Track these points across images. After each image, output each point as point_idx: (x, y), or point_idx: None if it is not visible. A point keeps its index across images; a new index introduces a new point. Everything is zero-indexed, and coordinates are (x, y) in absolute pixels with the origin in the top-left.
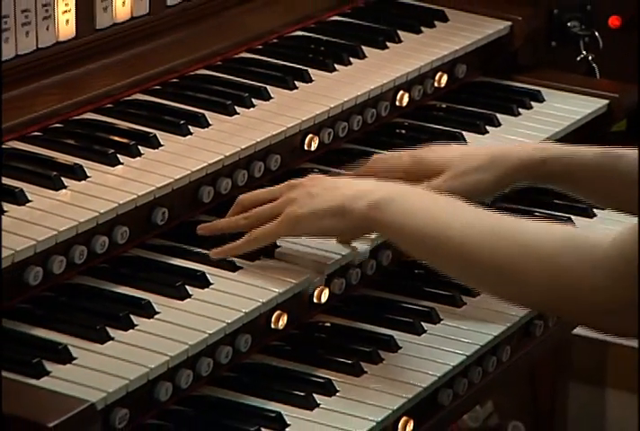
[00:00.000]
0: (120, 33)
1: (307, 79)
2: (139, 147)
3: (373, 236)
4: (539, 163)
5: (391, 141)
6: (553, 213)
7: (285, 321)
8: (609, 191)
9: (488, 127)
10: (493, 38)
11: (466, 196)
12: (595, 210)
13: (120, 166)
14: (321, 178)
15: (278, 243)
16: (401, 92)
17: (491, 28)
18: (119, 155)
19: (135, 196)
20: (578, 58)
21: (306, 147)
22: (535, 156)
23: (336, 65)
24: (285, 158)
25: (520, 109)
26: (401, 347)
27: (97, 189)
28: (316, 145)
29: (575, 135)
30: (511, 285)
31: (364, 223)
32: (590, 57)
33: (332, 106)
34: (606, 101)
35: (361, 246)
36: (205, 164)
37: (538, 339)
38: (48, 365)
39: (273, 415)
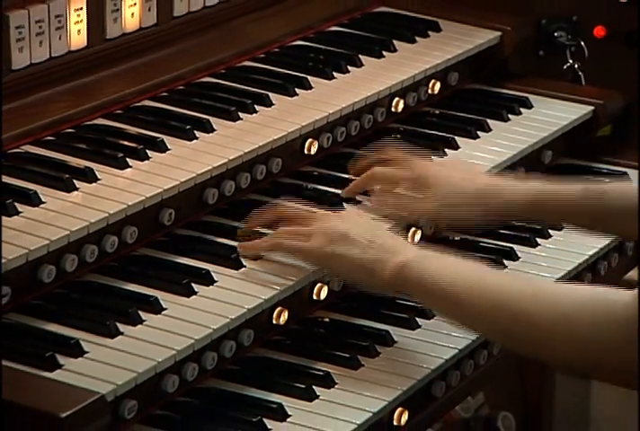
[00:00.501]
0: (129, 43)
1: (307, 86)
2: (147, 151)
3: None
4: (526, 206)
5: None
6: (497, 243)
7: (286, 317)
8: (596, 224)
9: (479, 133)
10: (484, 47)
11: (453, 227)
12: (538, 239)
13: (128, 169)
14: (353, 216)
15: None
16: (396, 99)
17: (481, 38)
18: (128, 159)
19: (143, 197)
20: (565, 67)
21: (306, 151)
22: (522, 200)
23: (335, 73)
24: (286, 161)
25: (510, 115)
26: (396, 342)
27: (107, 190)
28: (316, 149)
29: (562, 139)
30: (530, 345)
31: (390, 282)
32: (576, 66)
33: (330, 112)
34: (591, 108)
35: (316, 273)
36: (210, 167)
37: None
38: (61, 359)
39: (275, 406)
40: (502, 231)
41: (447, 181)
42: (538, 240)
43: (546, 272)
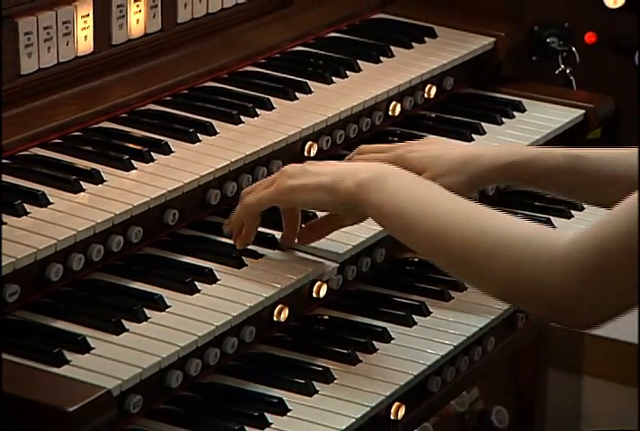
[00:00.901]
0: (135, 48)
1: (307, 91)
2: (152, 153)
3: (341, 252)
4: (507, 166)
5: None
6: (533, 214)
7: (286, 314)
8: (572, 188)
9: (474, 136)
10: (479, 53)
11: None
12: (573, 211)
13: (134, 171)
14: (316, 162)
15: (279, 242)
16: (393, 103)
17: (476, 43)
18: (133, 161)
19: (148, 198)
20: (556, 72)
21: (305, 154)
22: (504, 160)
23: (334, 78)
24: (286, 163)
25: (504, 119)
26: (393, 338)
27: (113, 192)
28: (315, 152)
29: (554, 142)
30: (473, 273)
31: (349, 200)
32: (567, 71)
33: (329, 115)
34: (582, 111)
35: (330, 263)
36: (212, 169)
37: (520, 330)
38: (68, 355)
39: (275, 401)
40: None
41: (430, 154)
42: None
43: None
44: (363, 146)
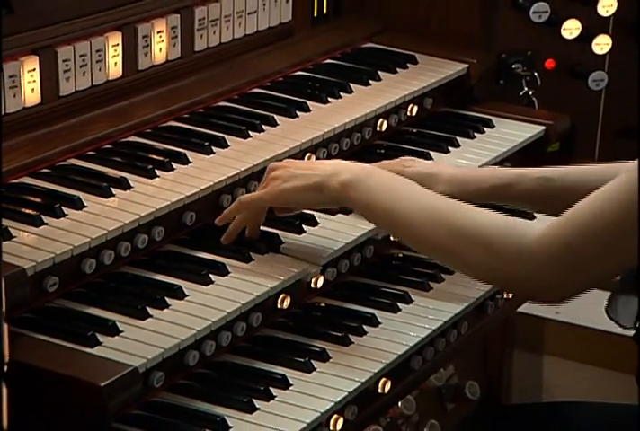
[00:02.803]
0: (158, 73)
1: (306, 109)
2: (172, 164)
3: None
4: (490, 189)
5: (373, 159)
6: None
7: (288, 302)
8: (544, 205)
9: (450, 148)
10: (454, 77)
11: None
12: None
13: (157, 179)
14: (298, 161)
15: (282, 240)
16: (381, 120)
17: (452, 69)
18: (156, 170)
19: (169, 202)
20: (521, 93)
21: None
22: (488, 184)
23: (329, 99)
24: None
25: (475, 134)
26: (381, 323)
27: (139, 196)
28: None
29: (519, 153)
30: (458, 262)
31: (337, 198)
32: (530, 92)
33: (326, 130)
34: (543, 127)
35: (313, 266)
36: (224, 177)
37: (490, 316)
38: (100, 337)
39: (279, 377)
40: None
41: (425, 172)
42: None
43: None
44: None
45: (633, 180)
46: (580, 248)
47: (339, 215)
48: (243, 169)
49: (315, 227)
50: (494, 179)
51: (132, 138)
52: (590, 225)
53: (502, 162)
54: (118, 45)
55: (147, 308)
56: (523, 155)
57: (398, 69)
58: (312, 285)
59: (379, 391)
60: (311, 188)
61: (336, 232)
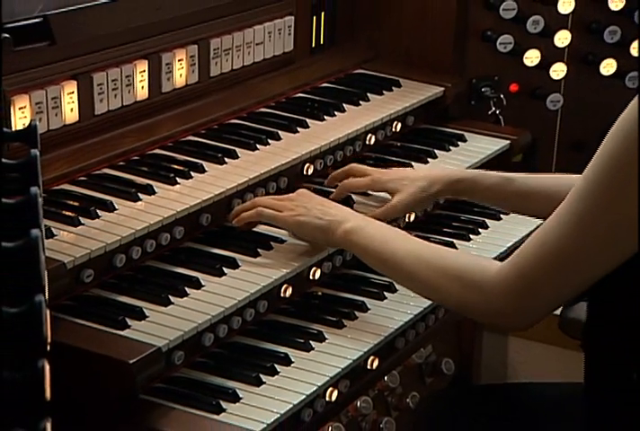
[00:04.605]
0: (179, 95)
1: (306, 126)
2: (191, 172)
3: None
4: (457, 183)
5: None
6: (471, 217)
7: (290, 292)
8: (504, 202)
9: (429, 159)
10: (432, 98)
11: (414, 205)
12: (501, 215)
13: (177, 185)
14: (315, 196)
15: (285, 239)
16: (369, 135)
17: (430, 91)
18: (177, 178)
19: (188, 205)
20: (489, 112)
21: (304, 173)
22: (456, 177)
23: (325, 117)
24: (290, 180)
25: (450, 147)
26: (370, 309)
27: (162, 201)
28: (312, 171)
29: (487, 164)
30: (438, 297)
31: (339, 242)
32: (497, 112)
33: (322, 144)
34: (508, 141)
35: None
36: (235, 184)
37: None
38: (129, 321)
39: (282, 355)
40: None
41: (400, 175)
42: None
43: None
44: (353, 165)
45: (573, 209)
46: (531, 276)
47: None
48: (251, 177)
49: None
50: (461, 173)
51: (157, 151)
52: (536, 254)
53: None
54: (144, 71)
55: (169, 296)
56: (491, 165)
57: (384, 92)
58: (311, 277)
59: (368, 367)
60: (319, 229)
61: None
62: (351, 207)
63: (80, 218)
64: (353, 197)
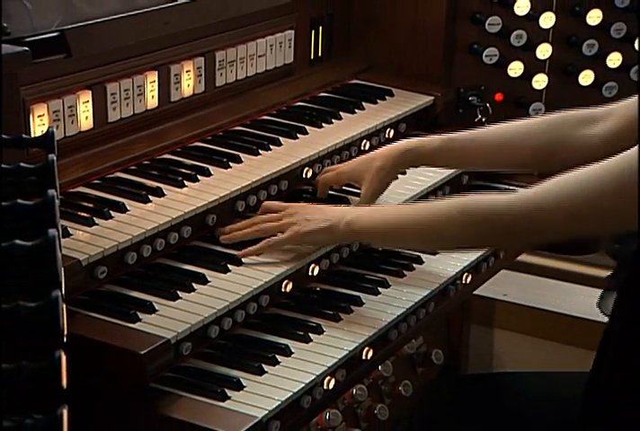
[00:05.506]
0: (186, 104)
1: (305, 132)
2: (198, 176)
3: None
4: (407, 152)
5: None
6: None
7: (291, 287)
8: (450, 162)
9: None
10: (423, 107)
11: (381, 185)
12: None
13: (185, 188)
14: (309, 206)
15: None
16: (364, 141)
17: (421, 100)
18: (185, 181)
19: (195, 207)
20: (476, 120)
21: (303, 176)
22: (402, 148)
23: (323, 124)
24: (290, 182)
25: None
26: (364, 303)
27: (171, 202)
28: (310, 175)
29: None
30: (436, 244)
31: (345, 235)
32: (483, 119)
33: (320, 149)
34: None
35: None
36: (239, 187)
37: (452, 298)
38: (140, 315)
39: (283, 346)
40: None
41: (356, 162)
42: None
43: None
44: (321, 178)
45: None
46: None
47: None
48: (254, 180)
49: None
50: (409, 142)
51: (166, 156)
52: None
53: (461, 174)
54: (154, 81)
55: (178, 291)
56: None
57: (378, 101)
58: (309, 273)
59: (363, 357)
60: (325, 231)
61: None
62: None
63: (94, 219)
64: (349, 198)
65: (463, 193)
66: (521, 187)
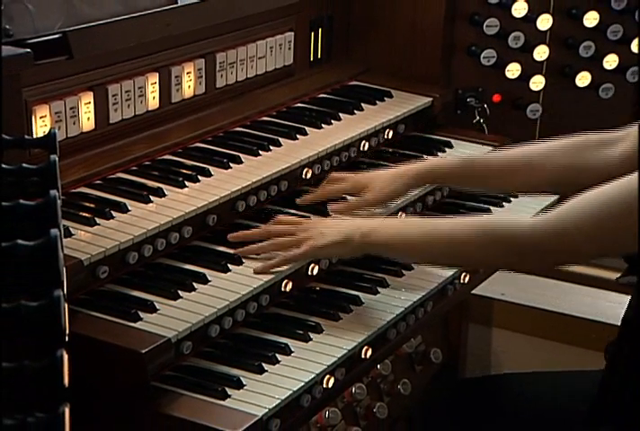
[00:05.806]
0: (187, 105)
1: (304, 133)
2: (198, 177)
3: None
4: (426, 173)
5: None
6: (477, 204)
7: (290, 286)
8: (468, 183)
9: None
10: (421, 108)
11: (387, 200)
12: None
13: (186, 188)
14: (323, 220)
15: None
16: (363, 142)
17: (419, 101)
18: (185, 182)
19: (195, 207)
20: (474, 121)
21: (303, 176)
22: (424, 169)
23: (323, 125)
24: (290, 183)
25: (439, 153)
26: (364, 303)
27: (171, 203)
28: (310, 175)
29: None
30: (454, 261)
31: (361, 247)
32: (481, 120)
33: (320, 150)
34: (491, 148)
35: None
36: (240, 187)
37: (450, 297)
38: (141, 314)
39: (283, 345)
40: None
41: (369, 175)
42: None
43: None
44: (332, 175)
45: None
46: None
47: None
48: (254, 180)
49: None
50: (426, 164)
51: (167, 157)
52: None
53: None
54: (155, 83)
55: (178, 291)
56: None
57: (377, 102)
58: (309, 273)
59: (362, 356)
60: (340, 244)
61: None
62: None
63: (96, 219)
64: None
65: (431, 210)
66: (494, 205)
